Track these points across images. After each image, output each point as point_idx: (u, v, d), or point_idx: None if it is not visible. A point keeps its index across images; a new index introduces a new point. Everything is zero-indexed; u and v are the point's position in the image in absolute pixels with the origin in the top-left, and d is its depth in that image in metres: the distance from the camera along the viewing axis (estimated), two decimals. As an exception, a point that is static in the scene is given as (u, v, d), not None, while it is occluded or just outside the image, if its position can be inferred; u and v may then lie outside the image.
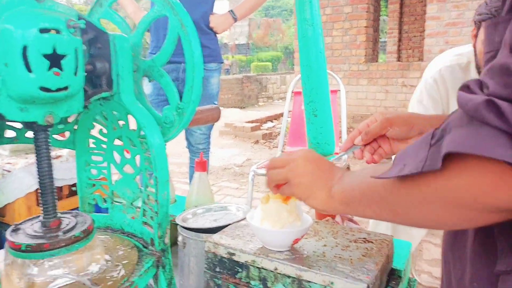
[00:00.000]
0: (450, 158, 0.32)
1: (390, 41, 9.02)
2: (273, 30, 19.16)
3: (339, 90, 2.33)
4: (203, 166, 1.07)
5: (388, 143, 0.72)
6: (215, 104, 1.91)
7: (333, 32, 5.75)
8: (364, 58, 5.66)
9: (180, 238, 0.87)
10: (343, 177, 0.56)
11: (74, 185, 1.03)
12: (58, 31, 0.48)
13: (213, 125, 2.02)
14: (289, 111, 2.50)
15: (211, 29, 1.79)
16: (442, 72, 1.33)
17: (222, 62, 1.94)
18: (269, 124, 6.03)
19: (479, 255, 0.41)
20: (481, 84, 0.32)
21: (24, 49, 0.45)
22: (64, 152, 0.98)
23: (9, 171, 0.94)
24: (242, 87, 9.59)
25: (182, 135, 2.14)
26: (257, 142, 5.09)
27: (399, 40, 8.92)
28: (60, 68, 0.49)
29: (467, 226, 0.42)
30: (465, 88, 0.33)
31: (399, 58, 8.76)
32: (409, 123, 0.66)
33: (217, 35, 1.86)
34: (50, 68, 0.48)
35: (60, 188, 0.99)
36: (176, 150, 3.53)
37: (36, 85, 0.47)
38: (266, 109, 8.27)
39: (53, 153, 1.01)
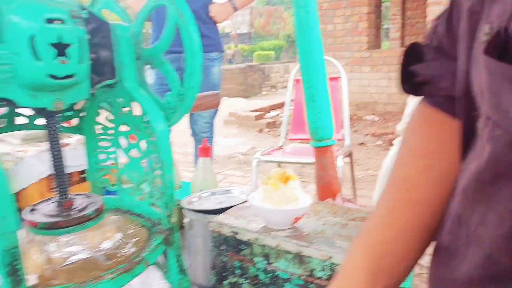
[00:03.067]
0: None
1: (394, 28, 8.92)
2: (275, 18, 19.02)
3: (340, 77, 2.34)
4: (206, 152, 1.10)
5: None
6: (217, 93, 1.93)
7: (335, 20, 5.71)
8: (367, 45, 5.63)
9: (186, 220, 0.91)
10: None
11: (83, 171, 1.07)
12: (62, 21, 0.51)
13: (216, 114, 2.05)
14: (291, 100, 2.52)
15: (211, 18, 1.81)
16: None
17: (223, 51, 1.96)
18: (273, 113, 6.05)
19: None
20: None
21: (32, 38, 0.48)
22: (72, 140, 1.02)
23: (21, 158, 0.98)
24: (245, 76, 9.58)
25: (188, 124, 2.17)
26: (261, 130, 5.11)
27: (403, 26, 8.82)
28: (66, 57, 0.52)
29: None
30: None
31: (402, 45, 8.67)
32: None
33: (217, 24, 1.88)
34: (56, 56, 0.51)
35: (70, 175, 1.03)
36: (182, 140, 3.58)
37: (44, 72, 0.50)
38: (269, 98, 8.28)
39: (61, 142, 1.04)
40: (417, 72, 0.44)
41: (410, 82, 0.45)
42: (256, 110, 5.96)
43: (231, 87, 8.89)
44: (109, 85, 0.65)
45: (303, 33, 0.95)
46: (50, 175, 1.05)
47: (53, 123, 0.57)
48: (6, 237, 0.43)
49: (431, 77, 0.43)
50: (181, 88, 0.65)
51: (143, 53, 0.67)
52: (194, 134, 2.02)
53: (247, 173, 3.30)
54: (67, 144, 1.01)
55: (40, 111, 0.55)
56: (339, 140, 2.14)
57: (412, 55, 0.45)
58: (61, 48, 0.51)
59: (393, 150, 1.55)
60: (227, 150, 4.11)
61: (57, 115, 0.57)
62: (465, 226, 0.35)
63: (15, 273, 0.45)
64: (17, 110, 0.64)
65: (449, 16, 0.42)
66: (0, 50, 0.47)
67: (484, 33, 0.29)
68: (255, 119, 5.38)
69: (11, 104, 0.50)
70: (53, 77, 0.50)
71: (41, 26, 0.48)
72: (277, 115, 5.89)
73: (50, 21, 0.49)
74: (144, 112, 0.65)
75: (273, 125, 5.26)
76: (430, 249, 0.43)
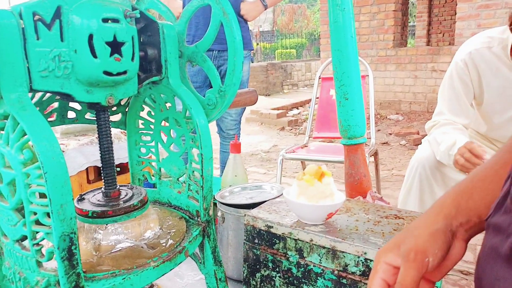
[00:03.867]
0: None
1: (419, 25, 8.72)
2: (297, 16, 18.89)
3: (367, 76, 2.32)
4: (237, 148, 1.13)
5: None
6: (244, 90, 1.95)
7: (360, 17, 5.64)
8: (392, 43, 5.53)
9: (219, 214, 0.94)
10: None
11: (118, 165, 1.11)
12: (117, 21, 0.54)
13: (243, 111, 2.08)
14: (317, 98, 2.52)
15: (241, 16, 1.83)
16: (473, 55, 1.32)
17: (252, 49, 1.98)
18: (295, 111, 6.03)
19: None
20: None
21: (90, 37, 0.51)
22: (110, 135, 1.06)
23: (63, 151, 1.03)
24: (267, 74, 9.57)
25: (212, 122, 2.20)
26: (283, 128, 5.12)
27: (429, 24, 8.62)
28: (120, 54, 0.54)
29: None
30: None
31: (428, 43, 8.48)
32: (438, 237, 0.43)
33: (247, 22, 1.90)
34: (111, 54, 0.53)
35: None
36: (204, 137, 3.59)
37: (100, 69, 0.52)
38: (291, 96, 8.25)
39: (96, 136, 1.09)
40: None
41: None
42: (277, 108, 5.96)
43: (253, 85, 8.91)
44: (153, 82, 0.68)
45: (337, 31, 0.96)
46: (88, 167, 1.09)
47: (104, 117, 0.60)
48: (65, 223, 0.47)
49: None
50: (222, 85, 0.68)
51: (186, 51, 0.69)
52: (221, 131, 2.05)
53: (269, 170, 3.31)
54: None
55: (93, 106, 0.58)
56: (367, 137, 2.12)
57: None
58: (115, 46, 0.54)
59: (421, 149, 1.53)
60: (250, 147, 4.14)
61: (107, 110, 0.60)
62: None
63: (71, 257, 0.48)
64: (69, 104, 0.68)
65: None
66: (61, 48, 0.50)
67: None
68: (276, 117, 5.38)
69: (68, 98, 0.53)
70: (108, 73, 0.53)
71: (99, 25, 0.51)
72: (298, 113, 5.88)
73: (105, 20, 0.52)
74: (186, 108, 0.67)
75: (295, 123, 5.25)
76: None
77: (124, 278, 0.53)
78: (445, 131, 1.37)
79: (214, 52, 1.78)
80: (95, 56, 0.52)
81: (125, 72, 0.55)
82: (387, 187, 2.85)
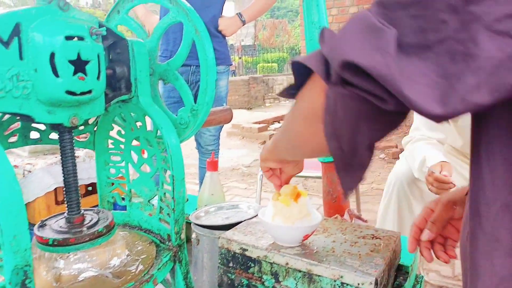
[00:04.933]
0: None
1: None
2: (279, 31, 19.18)
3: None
4: (214, 165, 1.10)
5: (455, 231, 0.60)
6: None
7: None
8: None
9: (193, 235, 0.90)
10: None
11: (90, 185, 1.07)
12: (81, 38, 0.52)
13: (222, 126, 2.06)
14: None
15: (219, 32, 1.83)
16: None
17: (230, 64, 1.98)
18: (276, 125, 6.05)
19: None
20: None
21: (52, 55, 0.49)
22: (81, 153, 1.02)
23: (29, 171, 0.98)
24: (248, 88, 9.62)
25: (191, 137, 2.17)
26: (264, 142, 5.11)
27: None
28: (85, 73, 0.52)
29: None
30: None
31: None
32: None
33: (225, 37, 1.90)
34: (75, 73, 0.51)
35: (77, 188, 1.03)
36: (184, 151, 3.55)
37: (62, 89, 0.50)
38: (273, 110, 8.30)
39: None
40: None
41: None
42: (259, 122, 5.97)
43: (235, 99, 8.92)
44: (123, 100, 0.65)
45: (313, 49, 0.95)
46: (57, 188, 1.05)
47: (67, 138, 0.57)
48: (19, 255, 0.43)
49: None
50: (195, 103, 0.66)
51: (157, 69, 0.67)
52: (200, 146, 2.02)
53: (250, 185, 3.29)
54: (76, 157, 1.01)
55: (56, 127, 0.55)
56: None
57: None
58: (79, 65, 0.51)
59: (398, 165, 1.55)
60: (231, 162, 4.10)
61: (71, 131, 0.57)
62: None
63: (27, 291, 0.44)
64: (32, 124, 0.64)
65: None
66: (20, 67, 0.47)
67: None
68: (258, 131, 5.38)
69: (28, 119, 0.50)
70: (71, 93, 0.51)
71: (62, 43, 0.49)
72: (280, 127, 5.90)
73: (69, 38, 0.50)
74: (157, 127, 0.65)
75: (276, 137, 5.26)
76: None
77: (85, 312, 0.50)
78: (419, 147, 1.38)
79: (191, 67, 1.76)
80: (57, 75, 0.49)
81: (90, 92, 0.53)
82: (367, 201, 2.86)
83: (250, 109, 8.86)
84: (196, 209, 0.99)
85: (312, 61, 0.36)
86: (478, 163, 0.36)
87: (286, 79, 10.98)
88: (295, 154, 0.60)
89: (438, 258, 0.64)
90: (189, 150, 2.62)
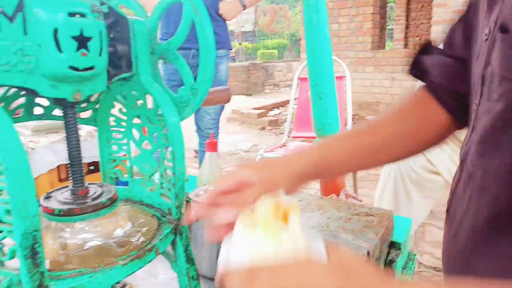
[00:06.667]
0: None
1: (398, 28, 8.92)
2: (279, 17, 18.99)
3: (345, 77, 2.36)
4: (213, 146, 1.12)
5: None
6: (223, 89, 1.95)
7: (340, 19, 5.72)
8: (371, 45, 5.63)
9: (193, 212, 0.93)
10: None
11: (92, 163, 1.09)
12: (84, 15, 0.53)
13: (222, 110, 2.07)
14: (295, 98, 2.54)
15: (220, 16, 1.83)
16: None
17: (230, 49, 1.98)
18: (276, 111, 6.07)
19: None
20: None
21: (55, 31, 0.50)
22: (83, 132, 1.04)
23: (33, 149, 1.00)
24: (248, 74, 9.59)
25: (191, 121, 2.19)
26: (263, 128, 5.13)
27: (407, 27, 8.82)
28: (87, 49, 0.53)
29: None
30: None
31: (406, 46, 8.67)
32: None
33: (226, 22, 1.90)
34: (78, 49, 0.52)
35: (79, 166, 1.05)
36: (184, 135, 3.56)
37: (66, 64, 0.51)
38: (272, 96, 8.29)
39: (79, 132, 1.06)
40: (422, 60, 0.59)
41: (416, 69, 0.60)
42: (258, 108, 5.98)
43: (234, 85, 8.90)
44: (124, 78, 0.67)
45: (311, 32, 0.97)
46: (59, 165, 1.07)
47: (71, 114, 0.59)
48: (28, 220, 0.45)
49: (431, 67, 0.57)
50: (194, 82, 0.67)
51: (157, 48, 0.69)
52: (199, 130, 2.04)
53: (249, 170, 3.32)
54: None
55: (60, 102, 0.57)
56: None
57: (424, 50, 0.60)
58: (81, 41, 0.53)
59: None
60: (230, 147, 4.13)
61: (75, 106, 0.59)
62: (473, 182, 0.43)
63: (35, 255, 0.47)
64: (36, 100, 0.66)
65: (465, 19, 0.51)
66: (24, 42, 0.49)
67: (485, 33, 0.42)
68: (257, 117, 5.39)
69: (33, 94, 0.52)
70: (74, 68, 0.52)
71: (64, 19, 0.50)
72: (279, 113, 5.91)
73: (72, 14, 0.51)
74: (157, 105, 0.67)
75: (276, 123, 5.28)
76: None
77: (91, 277, 0.52)
78: None
79: (192, 50, 1.77)
80: (60, 50, 0.51)
81: (92, 68, 0.55)
82: (364, 186, 2.90)
83: (250, 95, 8.85)
84: (195, 188, 1.01)
85: None
86: None
87: (286, 66, 10.93)
88: None
89: None
90: (189, 134, 2.64)
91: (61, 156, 0.99)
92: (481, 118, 0.43)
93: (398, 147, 0.59)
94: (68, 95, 0.55)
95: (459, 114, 0.57)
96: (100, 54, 0.56)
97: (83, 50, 0.53)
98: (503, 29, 0.38)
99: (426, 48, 0.60)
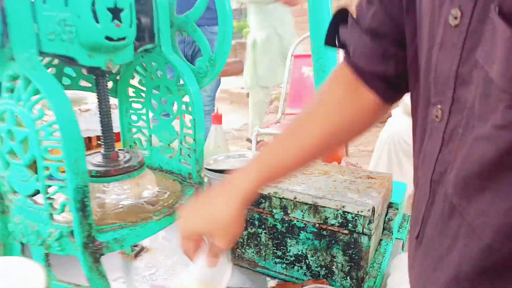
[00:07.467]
0: None
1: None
2: (265, -5, 18.67)
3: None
4: (219, 119, 1.18)
5: None
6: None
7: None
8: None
9: (206, 180, 0.99)
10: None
11: (99, 138, 1.12)
12: (116, -12, 0.56)
13: (217, 87, 2.10)
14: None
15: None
16: None
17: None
18: (265, 91, 6.08)
19: None
20: None
21: (93, 3, 0.54)
22: (92, 106, 1.07)
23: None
24: (235, 54, 9.52)
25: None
26: (253, 108, 5.16)
27: None
28: (120, 21, 0.57)
29: None
30: None
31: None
32: None
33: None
34: (112, 20, 0.56)
35: (89, 139, 1.09)
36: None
37: (102, 34, 0.55)
38: (260, 76, 8.27)
39: (82, 107, 1.09)
40: (340, 33, 0.52)
41: (338, 40, 0.53)
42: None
43: (222, 64, 8.83)
44: (146, 50, 0.71)
45: (315, 6, 1.01)
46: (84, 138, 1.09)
47: (102, 82, 0.63)
48: (79, 176, 0.50)
49: (348, 43, 0.52)
50: (212, 54, 0.72)
51: (176, 21, 0.72)
52: (196, 106, 2.07)
53: (242, 148, 3.38)
54: (87, 110, 1.06)
55: (93, 71, 0.61)
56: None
57: (342, 17, 0.52)
58: (115, 13, 0.56)
59: (390, 122, 1.64)
60: (221, 125, 4.17)
61: (106, 75, 0.63)
62: (459, 217, 0.35)
63: (85, 208, 0.52)
64: (64, 71, 0.69)
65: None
66: (65, 13, 0.52)
67: (453, 16, 0.32)
68: (247, 96, 5.41)
69: (72, 62, 0.56)
70: (109, 38, 0.56)
71: (101, -8, 0.54)
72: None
73: (106, -13, 0.55)
74: (178, 75, 0.71)
75: (265, 102, 5.31)
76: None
77: (131, 229, 0.58)
78: None
79: (204, 27, 1.78)
80: (97, 21, 0.54)
81: (124, 38, 0.58)
82: (354, 162, 2.99)
83: (239, 75, 8.81)
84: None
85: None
86: None
87: (273, 44, 10.84)
88: None
89: None
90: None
91: (89, 126, 1.02)
92: (473, 143, 0.33)
93: (336, 143, 0.60)
94: (102, 64, 0.59)
95: (389, 96, 0.52)
96: (130, 26, 0.59)
97: (116, 21, 0.56)
98: (506, 15, 0.26)
99: (342, 17, 0.51)
